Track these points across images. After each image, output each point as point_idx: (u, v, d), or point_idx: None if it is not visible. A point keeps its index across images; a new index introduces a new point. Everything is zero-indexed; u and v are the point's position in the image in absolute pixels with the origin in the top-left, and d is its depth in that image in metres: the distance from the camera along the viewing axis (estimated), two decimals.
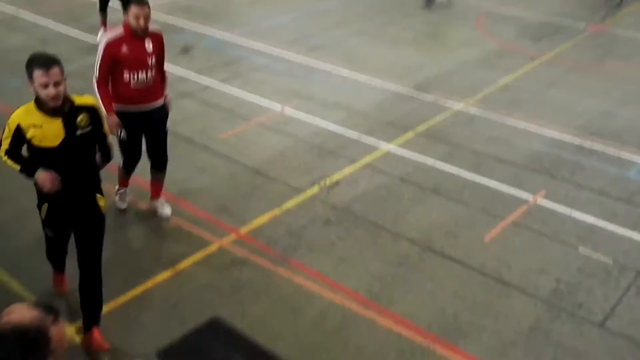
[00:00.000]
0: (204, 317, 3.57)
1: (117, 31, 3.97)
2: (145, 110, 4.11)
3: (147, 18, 3.87)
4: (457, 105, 6.32)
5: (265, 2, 9.70)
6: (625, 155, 5.44)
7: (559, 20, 9.03)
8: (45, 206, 3.20)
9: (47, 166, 2.96)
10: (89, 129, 3.01)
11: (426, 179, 5.02)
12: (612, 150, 5.51)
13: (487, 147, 5.54)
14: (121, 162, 4.32)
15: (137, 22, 3.85)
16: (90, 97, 3.14)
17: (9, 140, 2.97)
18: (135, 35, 3.91)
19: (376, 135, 5.71)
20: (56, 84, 2.78)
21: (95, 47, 4.62)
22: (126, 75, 3.95)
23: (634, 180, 5.07)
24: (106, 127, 3.23)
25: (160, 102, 4.20)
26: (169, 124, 4.38)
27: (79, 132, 2.97)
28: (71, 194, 3.08)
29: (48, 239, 3.47)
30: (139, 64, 3.95)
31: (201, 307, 3.66)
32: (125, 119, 4.04)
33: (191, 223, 4.46)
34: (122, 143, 4.16)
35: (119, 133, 4.06)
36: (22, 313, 1.41)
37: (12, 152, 3.02)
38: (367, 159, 5.32)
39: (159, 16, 9.11)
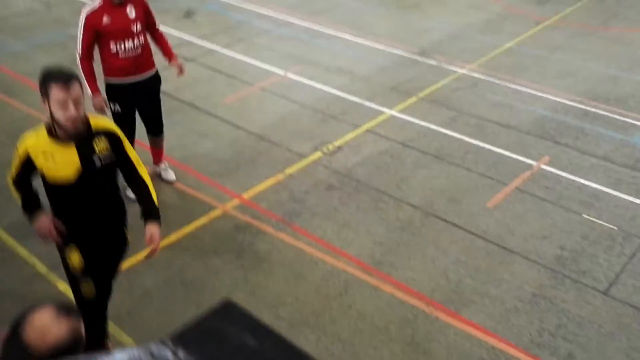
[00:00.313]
0: (207, 282, 3.41)
1: (95, 2, 3.63)
2: (138, 81, 3.84)
3: None
4: (461, 70, 5.97)
5: None
6: (630, 120, 5.13)
7: None
8: (74, 254, 2.48)
9: (66, 202, 2.39)
10: (109, 158, 2.38)
11: (429, 144, 4.75)
12: (617, 116, 5.20)
13: (490, 112, 5.23)
14: None
15: None
16: (108, 121, 2.49)
17: (17, 168, 2.40)
18: (114, 3, 3.59)
19: (379, 100, 5.41)
20: (76, 103, 2.20)
21: None
22: (112, 46, 3.65)
23: (639, 147, 4.77)
24: (132, 154, 2.48)
25: (152, 71, 3.92)
26: (169, 88, 4.10)
27: (97, 163, 2.35)
28: (100, 233, 2.52)
29: (86, 301, 2.58)
30: (123, 32, 3.63)
31: (204, 272, 3.50)
32: (118, 91, 3.80)
33: (194, 188, 4.24)
34: (116, 116, 3.91)
35: (113, 107, 3.81)
36: (52, 330, 1.31)
37: (19, 181, 2.44)
38: (370, 124, 5.04)
39: None
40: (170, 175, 4.30)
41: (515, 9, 7.65)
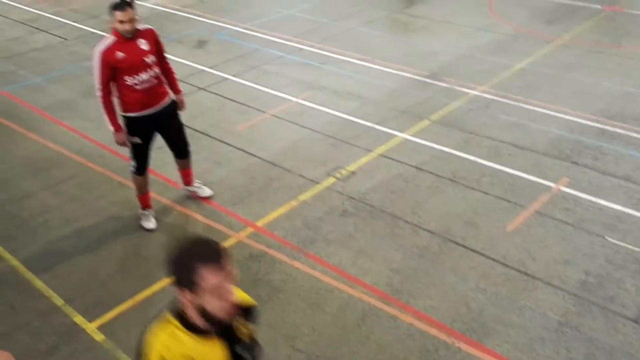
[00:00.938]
0: None
1: (108, 39, 3.69)
2: (156, 112, 3.89)
3: (131, 20, 3.61)
4: (473, 92, 5.93)
5: None
6: None
7: (574, 1, 8.49)
8: None
9: None
10: (255, 347, 1.78)
11: (443, 168, 4.69)
12: (635, 134, 5.09)
13: (504, 133, 5.16)
14: (133, 166, 4.05)
15: (123, 26, 3.61)
16: (247, 295, 1.77)
17: None
18: (125, 37, 3.66)
19: (391, 124, 5.37)
20: (233, 282, 1.56)
21: None
22: (128, 80, 3.70)
23: None
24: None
25: (168, 99, 3.97)
26: (182, 117, 4.12)
27: (248, 357, 1.72)
28: None
29: None
30: (137, 65, 3.69)
31: None
32: (138, 124, 3.85)
33: (208, 217, 4.21)
34: (135, 148, 3.94)
35: (134, 140, 3.90)
36: None
37: None
38: (383, 148, 5.00)
39: (174, 10, 8.83)
40: (206, 191, 4.38)
41: (524, 29, 7.64)
